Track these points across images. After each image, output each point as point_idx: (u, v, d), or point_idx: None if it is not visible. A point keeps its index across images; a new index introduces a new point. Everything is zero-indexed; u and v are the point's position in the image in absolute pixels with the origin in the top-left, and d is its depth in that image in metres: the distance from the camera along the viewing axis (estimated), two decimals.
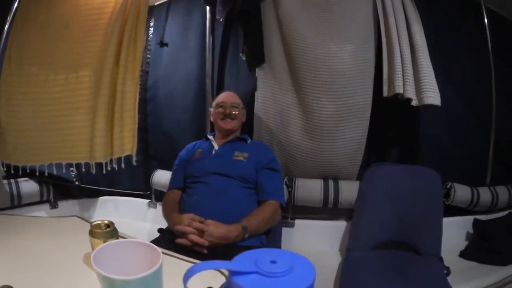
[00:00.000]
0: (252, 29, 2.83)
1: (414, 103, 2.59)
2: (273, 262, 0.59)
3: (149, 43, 3.72)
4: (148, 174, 3.60)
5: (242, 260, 0.60)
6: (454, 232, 2.79)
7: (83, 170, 2.75)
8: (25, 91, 2.60)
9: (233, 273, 0.57)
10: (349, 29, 2.73)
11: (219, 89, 3.14)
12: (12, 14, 2.70)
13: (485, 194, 2.85)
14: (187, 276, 0.60)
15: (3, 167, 2.69)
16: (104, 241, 1.07)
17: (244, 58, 2.95)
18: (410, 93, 2.54)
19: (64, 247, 1.49)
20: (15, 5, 2.70)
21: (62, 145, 2.59)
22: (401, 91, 2.53)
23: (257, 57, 2.83)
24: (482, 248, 2.59)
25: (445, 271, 2.26)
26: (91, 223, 1.35)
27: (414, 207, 2.58)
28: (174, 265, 1.20)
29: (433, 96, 2.53)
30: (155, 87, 3.72)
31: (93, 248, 1.29)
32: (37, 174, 2.81)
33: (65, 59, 2.63)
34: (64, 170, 2.75)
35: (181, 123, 3.59)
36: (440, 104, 2.54)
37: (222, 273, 1.21)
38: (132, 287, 0.84)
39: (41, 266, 1.29)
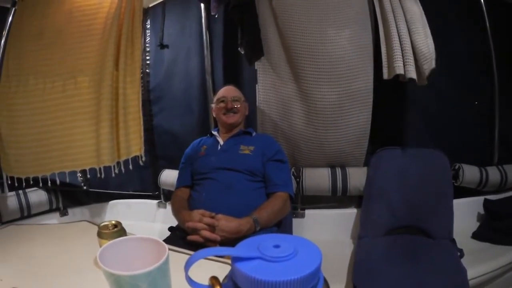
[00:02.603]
0: (248, 23, 2.81)
1: (418, 82, 2.56)
2: (277, 246, 0.58)
3: (147, 44, 3.74)
4: (157, 175, 3.63)
5: (245, 246, 0.59)
6: (465, 213, 2.78)
7: (88, 176, 2.76)
8: (24, 101, 2.61)
9: (235, 259, 0.56)
10: (344, 15, 2.71)
11: (221, 84, 3.13)
12: (7, 28, 2.72)
13: (493, 173, 2.84)
14: (188, 264, 0.59)
15: (7, 179, 2.69)
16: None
17: (242, 52, 2.94)
18: (412, 73, 2.50)
19: (74, 250, 1.50)
20: (10, 19, 2.72)
21: (64, 152, 2.59)
22: (402, 72, 2.49)
23: (255, 50, 2.81)
24: (494, 228, 2.58)
25: (459, 254, 2.24)
26: (98, 224, 1.35)
27: (423, 190, 2.57)
28: None
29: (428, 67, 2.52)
30: (158, 88, 3.75)
31: None
32: (41, 184, 2.83)
33: (61, 66, 2.64)
34: (67, 178, 2.73)
35: (186, 122, 3.62)
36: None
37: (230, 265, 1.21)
38: (138, 282, 0.83)
39: (51, 271, 1.30)
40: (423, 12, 2.61)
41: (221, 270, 1.13)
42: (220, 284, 0.58)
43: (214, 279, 0.59)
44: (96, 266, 1.30)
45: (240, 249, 0.58)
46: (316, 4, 2.72)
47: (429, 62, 2.50)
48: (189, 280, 0.62)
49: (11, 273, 1.30)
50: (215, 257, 1.28)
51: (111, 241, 0.98)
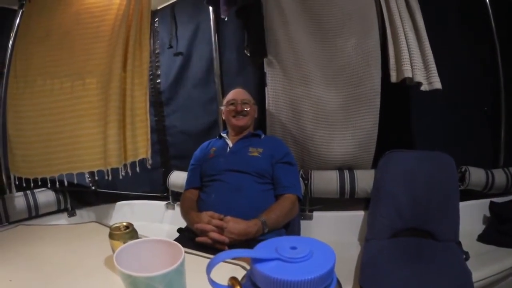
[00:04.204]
0: (252, 24, 2.83)
1: (424, 87, 2.57)
2: (293, 248, 0.60)
3: (156, 46, 3.76)
4: (167, 175, 3.65)
5: (263, 248, 0.61)
6: (471, 216, 2.77)
7: (96, 178, 2.78)
8: (31, 102, 2.64)
9: (254, 260, 0.58)
10: (351, 20, 2.74)
11: (230, 87, 3.14)
12: (14, 30, 2.74)
13: (500, 176, 2.83)
14: (210, 266, 0.61)
15: (15, 180, 2.71)
16: (124, 243, 1.06)
17: (248, 55, 2.95)
18: (419, 77, 2.52)
19: (84, 251, 1.51)
20: (17, 21, 2.74)
21: (72, 154, 2.61)
22: (410, 75, 2.51)
23: (259, 51, 2.83)
24: (500, 231, 2.57)
25: (464, 256, 2.25)
26: (110, 226, 1.36)
27: (430, 193, 2.56)
28: (196, 263, 1.20)
29: (439, 81, 2.53)
30: (169, 90, 3.78)
31: (113, 251, 1.30)
32: (49, 185, 2.84)
33: (69, 67, 2.67)
34: (75, 179, 2.74)
35: (196, 123, 3.65)
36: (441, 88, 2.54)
37: (243, 267, 1.22)
38: (155, 283, 0.85)
39: (62, 272, 1.30)
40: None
41: (233, 272, 1.14)
42: (240, 284, 0.60)
43: (233, 279, 0.61)
44: (107, 266, 1.31)
45: (259, 251, 0.60)
46: (324, 14, 2.77)
47: (435, 78, 2.53)
48: (211, 281, 0.63)
49: (20, 273, 1.31)
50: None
51: (128, 243, 1.00)
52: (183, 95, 3.72)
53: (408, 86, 2.64)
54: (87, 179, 3.47)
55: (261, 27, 2.82)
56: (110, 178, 2.59)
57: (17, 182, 2.71)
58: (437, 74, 2.54)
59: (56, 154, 2.61)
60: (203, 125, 3.61)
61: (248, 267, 1.16)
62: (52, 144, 2.61)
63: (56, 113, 2.62)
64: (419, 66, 2.54)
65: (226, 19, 3.12)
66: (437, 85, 2.52)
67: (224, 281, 0.63)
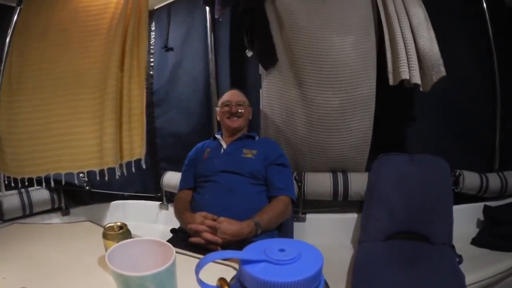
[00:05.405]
0: (259, 30, 2.80)
1: (428, 83, 2.55)
2: (282, 250, 0.61)
3: (151, 46, 3.76)
4: (157, 177, 3.64)
5: (252, 250, 0.62)
6: (465, 219, 2.77)
7: (87, 178, 2.76)
8: (23, 98, 2.61)
9: (243, 262, 0.58)
10: (349, 20, 2.72)
11: (225, 88, 3.14)
12: (12, 27, 2.73)
13: (494, 180, 2.83)
14: (199, 267, 0.61)
15: (4, 179, 2.69)
16: (118, 243, 1.08)
17: (249, 55, 2.94)
18: (416, 78, 2.49)
19: (78, 251, 1.51)
20: (15, 18, 2.73)
21: (63, 152, 2.58)
22: (407, 77, 2.48)
23: (270, 57, 2.82)
24: (494, 234, 2.57)
25: (458, 259, 2.25)
26: (104, 226, 1.36)
27: (424, 196, 2.57)
28: (188, 263, 1.21)
29: (438, 70, 2.48)
30: (161, 91, 3.78)
31: (107, 251, 1.30)
32: (44, 184, 2.83)
33: (66, 63, 2.64)
34: (69, 178, 2.73)
35: (189, 125, 3.63)
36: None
37: (234, 268, 1.23)
38: (147, 283, 0.85)
39: (56, 271, 1.30)
40: (427, 16, 2.61)
41: (222, 273, 1.14)
42: (228, 285, 0.61)
43: (222, 280, 0.62)
44: (101, 266, 1.32)
45: (248, 253, 0.61)
46: (320, 11, 2.73)
47: (437, 67, 2.48)
48: (200, 282, 0.64)
49: (15, 271, 1.31)
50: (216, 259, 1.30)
51: (120, 243, 1.00)
52: (175, 97, 3.72)
53: (404, 90, 2.64)
54: (81, 178, 3.46)
55: (269, 32, 2.81)
56: (106, 177, 2.57)
57: (6, 182, 2.69)
58: (436, 65, 2.51)
59: (45, 153, 2.58)
60: (194, 127, 3.61)
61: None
62: (42, 142, 2.57)
63: (49, 109, 2.59)
64: (416, 67, 2.52)
65: (220, 20, 3.13)
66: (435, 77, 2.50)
67: (215, 282, 0.63)
